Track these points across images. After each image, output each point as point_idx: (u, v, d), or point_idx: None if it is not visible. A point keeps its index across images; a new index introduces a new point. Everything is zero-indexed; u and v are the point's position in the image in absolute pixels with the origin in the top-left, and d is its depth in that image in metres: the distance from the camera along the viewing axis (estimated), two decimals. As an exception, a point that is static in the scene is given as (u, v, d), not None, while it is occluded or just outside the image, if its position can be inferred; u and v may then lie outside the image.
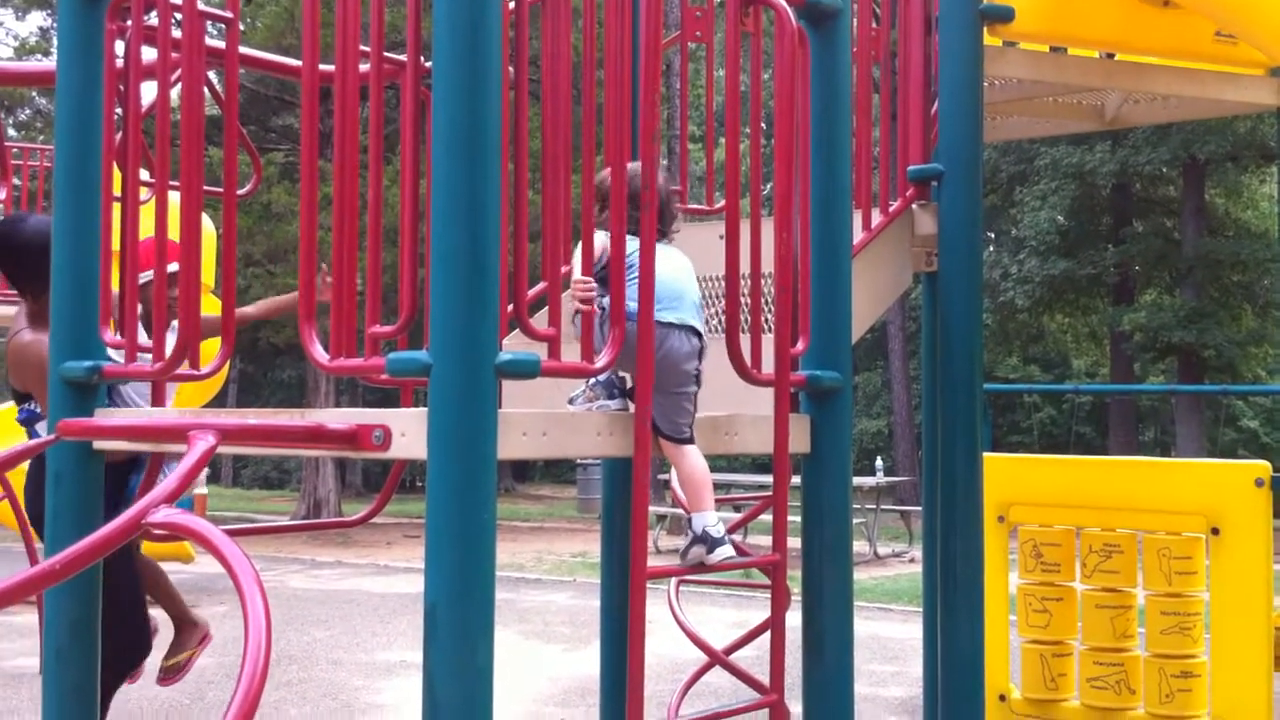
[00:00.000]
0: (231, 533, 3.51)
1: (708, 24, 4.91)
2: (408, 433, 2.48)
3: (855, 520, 16.01)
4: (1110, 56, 4.57)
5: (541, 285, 3.47)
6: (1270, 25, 3.91)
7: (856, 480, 16.86)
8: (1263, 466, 4.77)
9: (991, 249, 28.36)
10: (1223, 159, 24.84)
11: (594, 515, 22.84)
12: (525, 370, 2.50)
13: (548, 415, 2.74)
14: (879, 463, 19.67)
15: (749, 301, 3.28)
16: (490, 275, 2.43)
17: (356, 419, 2.51)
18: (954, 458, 4.15)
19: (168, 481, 2.25)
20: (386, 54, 2.92)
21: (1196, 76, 4.64)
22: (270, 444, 2.53)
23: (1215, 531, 4.75)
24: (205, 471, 4.07)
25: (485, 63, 2.49)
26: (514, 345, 3.07)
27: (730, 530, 4.43)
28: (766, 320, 3.33)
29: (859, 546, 15.84)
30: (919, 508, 9.29)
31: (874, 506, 17.14)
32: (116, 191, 3.29)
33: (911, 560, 15.80)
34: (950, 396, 4.15)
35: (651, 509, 14.48)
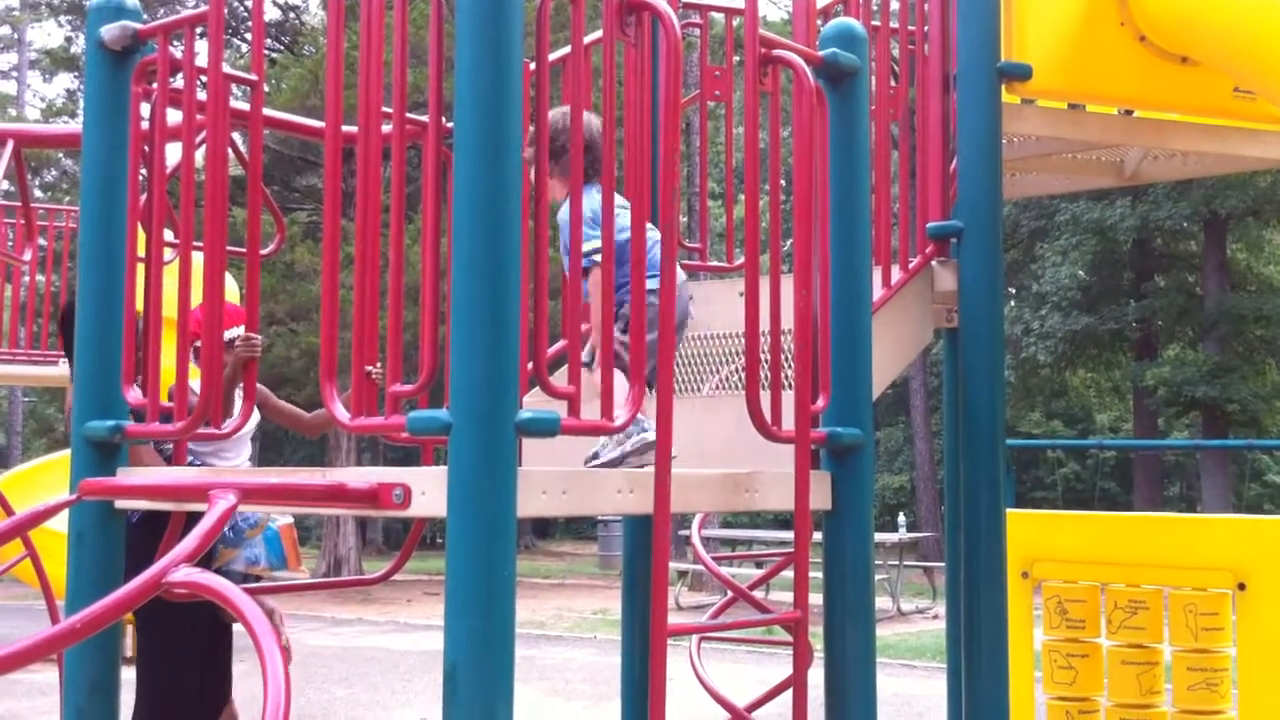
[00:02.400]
0: (251, 591, 3.52)
1: (726, 83, 4.96)
2: (428, 491, 2.48)
3: (878, 576, 15.97)
4: (1129, 113, 4.58)
5: (561, 343, 3.49)
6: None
7: (879, 536, 16.76)
8: (1289, 523, 4.73)
9: (1013, 304, 28.32)
10: (1244, 214, 24.81)
11: (615, 572, 22.72)
12: (545, 429, 2.50)
13: (568, 474, 2.74)
14: (901, 518, 19.56)
15: (769, 358, 3.28)
16: (511, 334, 2.44)
17: (377, 478, 2.51)
18: (977, 514, 4.13)
19: (187, 541, 2.25)
20: (409, 115, 2.95)
21: (1216, 133, 4.64)
22: (291, 503, 2.53)
23: (1241, 587, 4.70)
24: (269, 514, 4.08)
25: (506, 124, 2.51)
26: (534, 402, 3.09)
27: (752, 587, 4.42)
28: (786, 377, 3.33)
29: (882, 602, 15.73)
30: (942, 564, 9.21)
31: (896, 563, 17.03)
32: (141, 253, 3.32)
33: (935, 616, 15.67)
34: (973, 453, 4.13)
35: (672, 565, 14.42)
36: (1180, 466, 33.37)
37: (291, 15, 27.86)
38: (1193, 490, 31.95)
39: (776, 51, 3.20)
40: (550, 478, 2.66)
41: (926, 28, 4.35)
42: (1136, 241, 26.36)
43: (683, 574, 17.18)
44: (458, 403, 2.42)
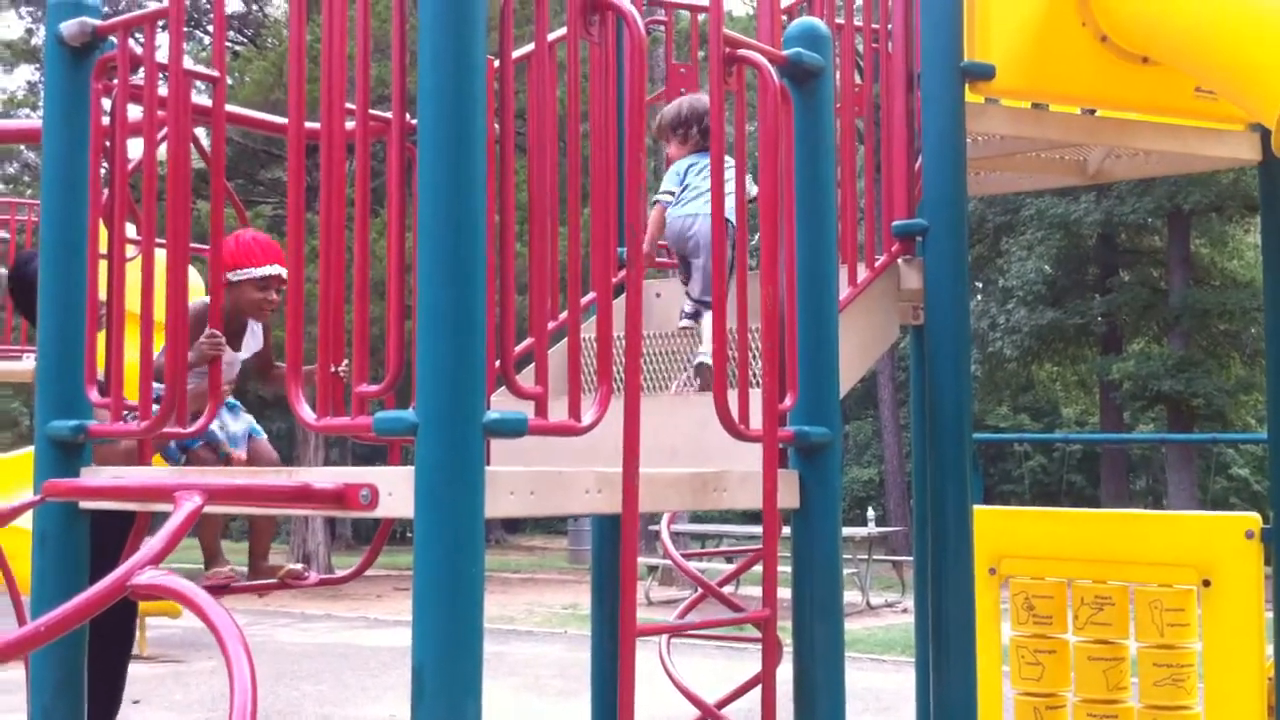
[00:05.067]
0: (217, 591, 3.51)
1: (692, 79, 4.97)
2: (395, 492, 2.48)
3: (847, 570, 16.03)
4: (1091, 113, 4.61)
5: (528, 341, 3.49)
6: (1245, 81, 3.94)
7: (848, 531, 16.82)
8: (1253, 519, 4.77)
9: (979, 299, 28.48)
10: (1207, 209, 25.04)
11: (585, 566, 22.71)
12: (512, 429, 2.50)
13: (535, 474, 2.73)
14: (870, 513, 19.65)
15: (736, 356, 3.29)
16: (477, 334, 2.44)
17: (343, 478, 2.50)
18: (944, 511, 4.15)
19: (153, 543, 2.24)
20: (372, 111, 2.94)
21: (1178, 132, 4.67)
22: (257, 504, 2.52)
23: (1207, 583, 4.74)
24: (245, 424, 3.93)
25: (470, 120, 2.50)
26: (501, 401, 3.09)
27: (721, 583, 4.43)
28: (754, 374, 3.33)
29: (852, 596, 15.78)
30: (911, 558, 9.24)
31: (866, 557, 17.11)
32: (103, 249, 3.30)
33: (904, 610, 15.75)
34: (940, 449, 4.15)
35: (642, 560, 14.42)
36: (1146, 460, 33.63)
37: (255, 7, 27.69)
38: (1159, 484, 32.20)
39: (741, 51, 3.20)
40: (518, 478, 2.66)
41: (890, 26, 4.36)
42: (1101, 237, 26.57)
43: (653, 569, 17.20)
44: (424, 403, 2.41)
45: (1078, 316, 26.50)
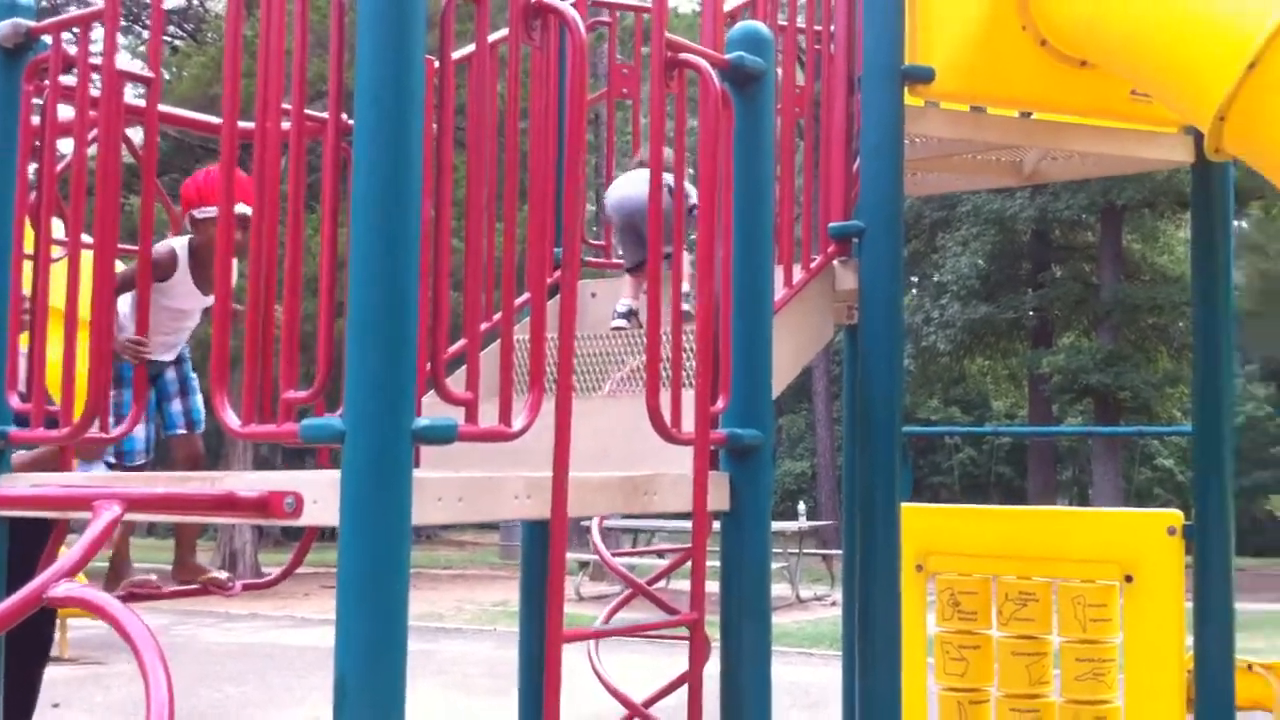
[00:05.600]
0: (139, 597, 3.45)
1: (634, 79, 4.95)
2: (320, 500, 2.44)
3: (778, 564, 16.12)
4: (1028, 115, 4.64)
5: (461, 343, 3.46)
6: (1179, 84, 3.98)
7: (779, 525, 16.90)
8: (1174, 515, 4.85)
9: (914, 293, 28.72)
10: (1140, 205, 25.40)
11: (516, 562, 22.61)
12: (442, 436, 2.47)
13: (464, 480, 2.70)
14: (801, 507, 19.76)
15: (669, 355, 3.28)
16: (408, 340, 2.41)
17: (268, 485, 2.46)
18: (873, 507, 4.17)
19: (71, 554, 2.20)
20: (309, 111, 2.89)
21: (1113, 135, 4.71)
22: (180, 513, 2.48)
23: (1129, 579, 4.81)
24: None
25: (407, 122, 2.46)
26: (432, 403, 3.05)
27: (651, 582, 4.42)
28: (687, 374, 3.32)
29: (781, 590, 15.86)
30: (841, 551, 9.30)
31: (796, 551, 17.19)
32: (29, 249, 3.23)
33: (833, 604, 15.84)
34: (870, 448, 4.16)
35: (573, 556, 14.41)
36: (1074, 451, 34.12)
37: (195, 2, 27.23)
38: (1085, 474, 32.71)
39: (682, 55, 3.18)
40: (446, 484, 2.63)
41: (833, 27, 4.36)
42: (1035, 232, 26.87)
43: (584, 564, 17.17)
44: (352, 410, 2.37)
45: (1010, 311, 26.81)
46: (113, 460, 3.94)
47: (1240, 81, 3.45)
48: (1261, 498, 31.23)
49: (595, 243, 4.96)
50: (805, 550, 17.74)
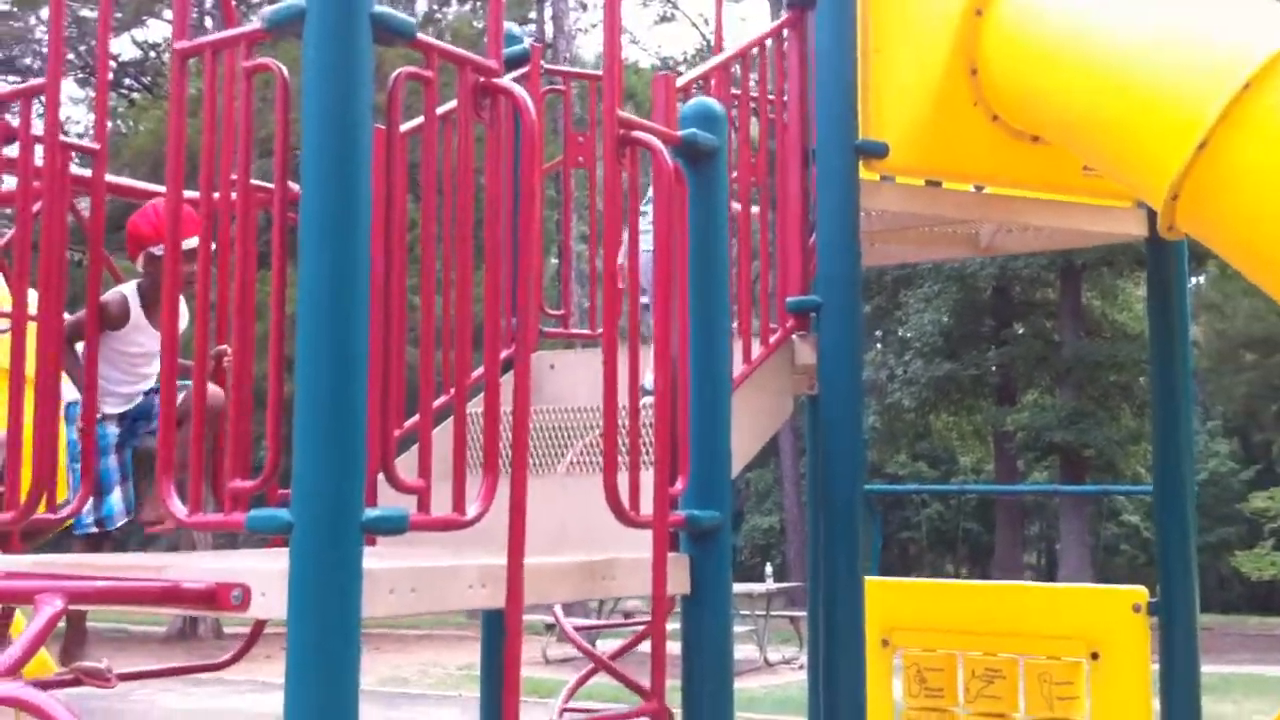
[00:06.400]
0: (86, 683, 3.34)
1: (589, 148, 4.95)
2: (268, 592, 2.39)
3: (745, 627, 15.96)
4: (980, 189, 4.67)
5: (414, 419, 3.42)
6: (1131, 162, 4.01)
7: (746, 587, 16.77)
8: (1140, 592, 4.85)
9: (878, 349, 28.80)
10: (1098, 264, 25.60)
11: (483, 619, 22.40)
12: (393, 528, 2.43)
13: (416, 570, 2.64)
14: (769, 569, 19.64)
15: (627, 432, 3.24)
16: (357, 431, 2.36)
17: (215, 576, 2.42)
18: (835, 581, 4.14)
19: (12, 651, 2.14)
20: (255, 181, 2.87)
21: (1067, 209, 4.75)
22: (123, 603, 2.42)
23: (1095, 656, 4.80)
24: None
25: (353, 195, 2.42)
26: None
27: (613, 656, 4.36)
28: (646, 450, 3.30)
29: (749, 652, 15.72)
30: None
31: (764, 613, 17.03)
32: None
33: (801, 666, 15.66)
34: (831, 521, 4.14)
35: (539, 618, 14.24)
36: (1041, 506, 34.16)
37: (152, 54, 27.14)
38: (1052, 530, 32.73)
39: (635, 133, 3.18)
40: (398, 575, 2.58)
41: (786, 98, 4.38)
42: (996, 289, 27.02)
43: (550, 626, 16.97)
44: (300, 502, 2.33)
45: (973, 368, 26.90)
46: (95, 529, 3.82)
47: (1191, 161, 3.47)
48: (1226, 553, 31.33)
49: (554, 312, 4.92)
50: (773, 612, 17.57)
